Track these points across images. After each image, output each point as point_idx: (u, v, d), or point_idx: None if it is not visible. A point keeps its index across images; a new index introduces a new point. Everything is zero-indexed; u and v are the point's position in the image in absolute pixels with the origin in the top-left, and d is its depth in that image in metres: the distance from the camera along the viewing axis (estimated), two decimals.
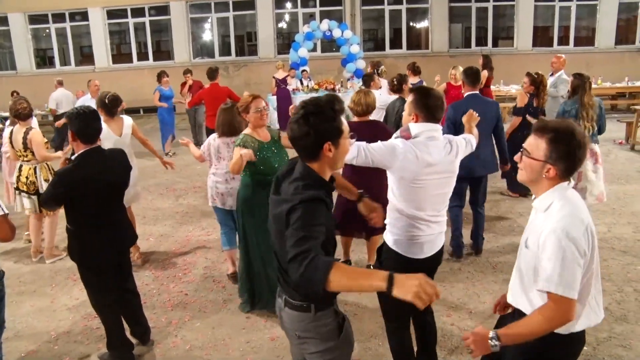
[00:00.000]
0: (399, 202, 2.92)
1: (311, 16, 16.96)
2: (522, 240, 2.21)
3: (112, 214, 3.51)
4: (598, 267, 2.13)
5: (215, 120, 4.70)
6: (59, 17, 17.33)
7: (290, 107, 3.34)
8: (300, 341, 2.26)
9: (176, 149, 11.09)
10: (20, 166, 5.48)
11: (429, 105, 2.86)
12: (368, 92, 4.55)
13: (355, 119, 4.56)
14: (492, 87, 10.65)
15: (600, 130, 5.54)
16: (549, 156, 2.04)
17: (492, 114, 5.07)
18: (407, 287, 1.68)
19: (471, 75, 5.13)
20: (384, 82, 8.25)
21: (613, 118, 12.02)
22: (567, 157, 2.03)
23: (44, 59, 18.40)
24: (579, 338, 2.17)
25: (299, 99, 13.27)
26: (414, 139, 2.85)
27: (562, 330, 2.07)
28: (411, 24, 17.86)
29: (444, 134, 3.01)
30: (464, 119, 3.58)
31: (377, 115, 6.00)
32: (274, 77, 13.25)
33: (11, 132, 5.49)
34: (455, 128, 4.83)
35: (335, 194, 2.74)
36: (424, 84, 8.87)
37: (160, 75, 10.70)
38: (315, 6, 17.14)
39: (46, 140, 5.57)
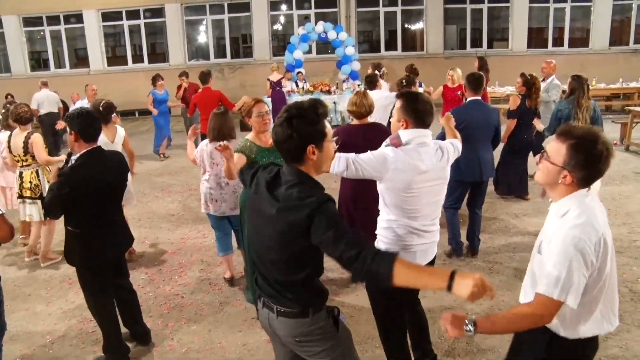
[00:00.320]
0: (391, 211, 2.86)
1: (306, 18, 16.99)
2: (536, 244, 2.19)
3: (113, 214, 3.56)
4: (614, 276, 2.12)
5: (207, 125, 4.70)
6: (53, 20, 17.28)
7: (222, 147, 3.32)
8: (300, 345, 2.25)
9: (170, 152, 11.07)
10: (20, 173, 5.43)
11: (418, 110, 2.81)
12: (366, 94, 4.51)
13: (354, 121, 4.49)
14: (488, 89, 10.67)
15: None
16: (567, 162, 2.01)
17: (494, 120, 5.10)
18: (465, 286, 1.82)
19: (474, 82, 5.12)
20: (384, 84, 8.26)
21: (608, 119, 12.02)
22: (586, 166, 1.99)
23: (38, 62, 18.34)
24: (588, 344, 2.14)
25: (294, 101, 13.27)
26: (405, 147, 2.80)
27: (570, 334, 2.06)
28: (406, 25, 17.89)
29: (442, 139, 3.01)
30: (442, 121, 3.53)
31: (380, 115, 5.98)
32: (268, 80, 13.25)
33: (9, 137, 5.44)
34: (458, 131, 4.85)
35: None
36: (423, 85, 8.90)
37: (155, 79, 10.66)
38: (310, 8, 17.16)
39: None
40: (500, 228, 6.08)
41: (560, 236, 1.98)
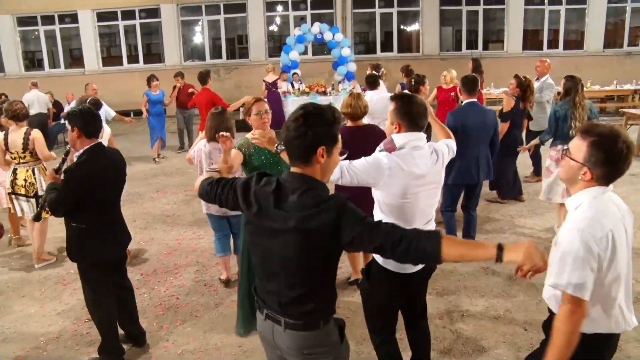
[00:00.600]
0: (386, 216, 2.80)
1: (302, 19, 16.98)
2: (555, 239, 2.21)
3: (116, 210, 3.66)
4: (627, 274, 2.13)
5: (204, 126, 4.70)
6: (48, 19, 17.20)
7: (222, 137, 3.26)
8: (306, 358, 2.17)
9: (166, 153, 11.03)
10: (15, 170, 5.39)
11: (411, 113, 2.75)
12: (360, 96, 4.50)
13: (349, 123, 4.47)
14: (483, 91, 10.69)
15: None
16: (587, 159, 2.05)
17: (492, 122, 5.11)
18: (517, 249, 1.81)
19: (468, 84, 5.13)
20: (382, 85, 8.28)
21: (602, 121, 12.09)
22: (606, 163, 2.03)
23: (32, 62, 18.24)
24: (602, 340, 2.16)
25: (290, 102, 13.27)
26: (399, 151, 2.74)
27: (586, 329, 2.07)
28: (402, 27, 17.92)
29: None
30: (430, 120, 3.39)
31: (384, 116, 5.97)
32: (264, 81, 13.23)
33: (5, 135, 5.38)
34: (455, 134, 4.85)
35: None
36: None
37: (150, 80, 10.55)
38: (306, 9, 17.15)
39: None
40: (495, 229, 6.09)
41: (567, 229, 2.01)
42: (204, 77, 8.90)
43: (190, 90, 10.94)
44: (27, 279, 5.26)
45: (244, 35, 17.72)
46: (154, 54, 18.00)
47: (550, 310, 2.32)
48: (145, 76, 10.92)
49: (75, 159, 3.49)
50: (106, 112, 9.12)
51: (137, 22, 17.26)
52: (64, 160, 3.68)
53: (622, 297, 2.12)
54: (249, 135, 4.06)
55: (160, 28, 17.21)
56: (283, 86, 13.38)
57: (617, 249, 2.03)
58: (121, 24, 17.25)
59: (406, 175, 2.68)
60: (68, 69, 17.61)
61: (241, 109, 10.06)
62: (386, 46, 17.58)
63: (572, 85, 5.43)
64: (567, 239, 2.00)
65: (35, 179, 5.39)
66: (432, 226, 2.99)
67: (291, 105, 13.32)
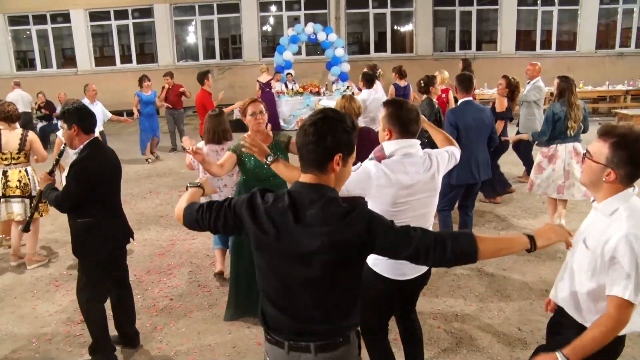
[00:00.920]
0: None
1: (296, 19, 16.99)
2: (579, 239, 2.20)
3: (119, 202, 3.73)
4: None
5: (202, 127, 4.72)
6: (39, 19, 17.11)
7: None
8: None
9: (160, 154, 10.98)
10: (5, 172, 5.32)
11: (402, 119, 2.66)
12: (352, 98, 4.49)
13: None
14: (476, 91, 10.74)
15: (585, 130, 5.69)
16: (610, 160, 2.05)
17: (489, 120, 5.12)
18: (544, 235, 1.92)
19: (465, 82, 5.13)
20: (379, 85, 8.30)
21: (595, 121, 12.15)
22: (629, 163, 2.03)
23: (24, 61, 18.14)
24: (619, 341, 2.17)
25: (283, 102, 13.28)
26: (389, 160, 2.66)
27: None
28: (396, 27, 17.97)
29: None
30: (424, 125, 3.29)
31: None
32: (257, 81, 13.23)
33: None
34: (457, 131, 4.85)
35: None
36: (410, 88, 8.93)
37: (141, 80, 10.47)
38: (300, 9, 17.16)
39: None
40: (489, 230, 6.11)
41: (621, 236, 2.00)
42: (200, 78, 8.87)
43: (182, 89, 10.90)
44: (19, 280, 5.22)
45: (238, 35, 17.72)
46: (147, 54, 17.95)
47: (559, 312, 2.32)
48: (138, 76, 10.87)
49: (72, 156, 3.52)
50: (104, 113, 9.10)
51: (130, 21, 17.20)
52: (57, 162, 3.73)
53: None
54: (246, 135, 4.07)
55: (154, 28, 17.16)
56: (277, 86, 13.38)
57: None
58: (114, 23, 17.19)
59: (393, 185, 2.59)
60: (60, 68, 17.54)
61: (235, 112, 10.09)
62: (380, 47, 17.61)
63: (567, 86, 5.46)
64: (626, 248, 1.98)
65: (29, 179, 5.37)
66: None
67: (285, 105, 13.33)
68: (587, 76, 14.15)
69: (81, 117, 3.46)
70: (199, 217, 2.05)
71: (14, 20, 17.20)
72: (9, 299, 4.84)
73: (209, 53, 17.72)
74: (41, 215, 5.47)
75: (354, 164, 2.30)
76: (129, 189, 8.33)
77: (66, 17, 17.00)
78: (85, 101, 9.04)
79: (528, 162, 7.81)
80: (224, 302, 4.53)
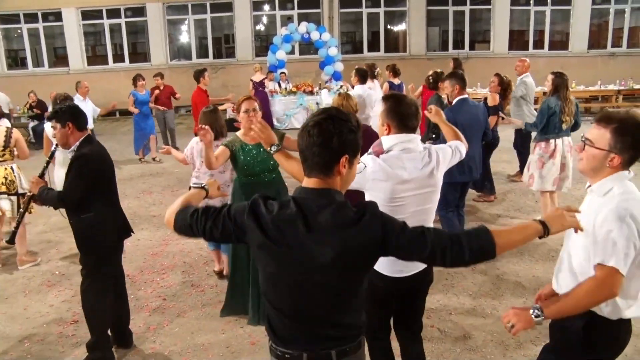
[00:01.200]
0: None
1: (289, 19, 16.96)
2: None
3: (117, 195, 3.77)
4: None
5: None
6: (31, 17, 16.97)
7: (254, 125, 3.15)
8: None
9: (160, 155, 10.81)
10: None
11: (400, 113, 2.63)
12: (349, 96, 4.50)
13: None
14: (469, 90, 10.78)
15: (577, 126, 5.82)
16: (613, 146, 2.07)
17: (483, 116, 5.16)
18: (556, 220, 1.88)
19: (462, 79, 5.20)
20: (377, 84, 8.31)
21: (587, 120, 12.20)
22: (633, 147, 2.06)
23: (15, 60, 18.02)
24: (627, 326, 2.18)
25: (277, 101, 13.26)
26: (387, 154, 2.62)
27: (612, 315, 2.10)
28: (389, 27, 17.99)
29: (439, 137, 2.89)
30: (430, 116, 3.33)
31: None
32: (251, 80, 13.20)
33: None
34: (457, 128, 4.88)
35: None
36: (404, 86, 8.94)
37: (136, 79, 10.36)
38: (293, 9, 17.13)
39: None
40: None
41: (610, 208, 2.02)
42: (197, 76, 8.88)
43: (172, 91, 10.80)
44: (11, 280, 5.19)
45: (231, 34, 17.68)
46: (139, 53, 17.88)
47: None
48: (131, 75, 10.78)
49: (68, 155, 3.54)
50: (94, 110, 9.04)
51: (122, 20, 17.11)
52: (48, 163, 3.73)
53: None
54: (239, 132, 4.11)
55: (146, 27, 17.08)
56: (270, 86, 13.36)
57: None
58: (106, 22, 17.09)
59: (391, 180, 2.56)
60: (52, 67, 17.41)
61: (228, 110, 10.07)
62: (373, 46, 17.62)
63: (561, 82, 5.63)
64: (614, 218, 2.01)
65: (15, 176, 5.35)
66: None
67: (278, 104, 13.32)
68: (579, 76, 14.22)
69: (75, 115, 3.49)
70: (193, 223, 1.90)
71: (5, 19, 17.07)
72: (1, 299, 4.81)
73: (202, 52, 17.66)
74: (29, 212, 5.44)
75: None
76: (122, 188, 8.23)
77: (58, 16, 16.89)
78: (77, 98, 8.98)
79: (523, 161, 7.85)
80: (217, 301, 4.53)
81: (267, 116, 12.51)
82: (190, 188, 2.17)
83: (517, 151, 7.93)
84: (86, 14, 17.00)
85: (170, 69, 15.34)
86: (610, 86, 14.17)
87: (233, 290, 4.30)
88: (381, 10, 17.20)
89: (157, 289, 4.90)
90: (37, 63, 17.52)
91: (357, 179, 2.47)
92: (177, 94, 10.88)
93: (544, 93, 6.54)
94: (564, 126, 5.63)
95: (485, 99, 6.92)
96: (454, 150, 2.90)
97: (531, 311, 2.04)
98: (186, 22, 17.48)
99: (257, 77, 13.21)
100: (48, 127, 4.98)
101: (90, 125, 8.69)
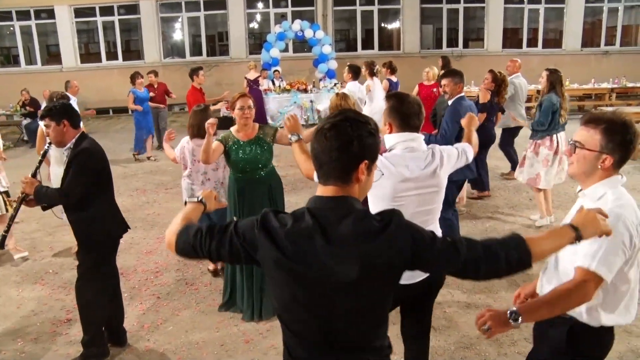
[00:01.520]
0: None
1: (283, 16, 16.92)
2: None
3: (113, 194, 3.76)
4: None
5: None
6: (23, 15, 16.84)
7: (289, 115, 3.17)
8: None
9: (157, 154, 10.74)
10: None
11: (403, 112, 2.62)
12: (346, 96, 4.51)
13: None
14: (464, 88, 10.77)
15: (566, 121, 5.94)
16: (604, 146, 2.04)
17: (476, 114, 5.16)
18: (588, 225, 1.74)
19: (462, 77, 5.22)
20: (378, 81, 8.31)
21: (580, 119, 12.28)
22: (623, 146, 2.04)
23: (8, 58, 17.92)
24: (609, 332, 2.16)
25: (271, 99, 13.23)
26: (389, 153, 2.63)
27: (593, 322, 2.07)
28: (383, 24, 17.98)
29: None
30: (464, 122, 3.28)
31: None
32: (245, 78, 13.17)
33: None
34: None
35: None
36: (399, 83, 8.93)
37: (134, 77, 10.27)
38: (287, 6, 17.10)
39: None
40: (477, 225, 6.14)
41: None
42: (191, 74, 8.91)
43: (166, 89, 10.77)
44: (3, 280, 5.16)
45: (224, 32, 17.62)
46: (133, 51, 17.80)
47: None
48: (124, 73, 10.72)
49: (64, 152, 3.54)
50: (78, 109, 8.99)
51: (115, 18, 17.02)
52: (40, 162, 3.71)
53: (635, 290, 2.13)
54: (233, 129, 4.16)
55: (140, 24, 17.00)
56: (264, 84, 13.33)
57: None
58: (99, 20, 16.99)
59: (392, 178, 2.54)
60: (45, 65, 17.30)
61: (222, 109, 10.04)
62: (367, 44, 17.62)
63: (556, 78, 5.72)
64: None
65: None
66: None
67: (272, 102, 13.29)
68: (572, 74, 14.25)
69: (69, 113, 3.49)
70: (197, 244, 1.72)
71: None
72: None
73: (196, 50, 17.60)
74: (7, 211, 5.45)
75: None
76: (116, 186, 8.16)
77: (50, 13, 16.77)
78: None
79: (512, 159, 7.89)
80: (212, 300, 4.52)
81: (262, 114, 12.49)
82: (185, 203, 1.99)
83: (504, 150, 7.93)
84: (79, 12, 16.90)
85: (163, 67, 15.28)
86: (604, 84, 14.22)
87: (231, 284, 4.35)
88: (375, 8, 17.20)
89: (151, 287, 4.89)
90: (30, 61, 17.39)
91: None
92: (172, 93, 10.85)
93: (538, 91, 6.55)
94: (562, 121, 5.74)
95: (478, 97, 6.93)
96: (460, 152, 2.87)
97: (508, 314, 1.92)
98: (180, 19, 17.41)
99: (252, 75, 13.18)
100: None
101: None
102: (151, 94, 10.61)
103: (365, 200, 2.48)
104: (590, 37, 17.53)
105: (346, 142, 1.58)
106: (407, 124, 2.63)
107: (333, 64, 14.78)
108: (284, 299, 1.68)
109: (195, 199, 1.99)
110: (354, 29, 17.74)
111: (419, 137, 2.68)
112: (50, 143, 3.57)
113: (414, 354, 3.07)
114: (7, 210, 5.43)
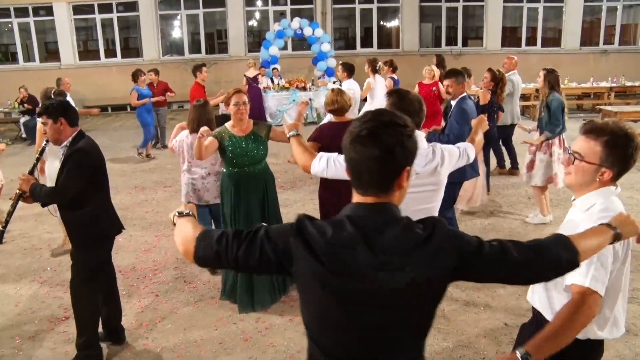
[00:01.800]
0: None
1: (282, 14, 16.90)
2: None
3: (109, 193, 3.77)
4: (627, 282, 2.07)
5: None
6: (21, 12, 16.78)
7: (302, 102, 3.13)
8: None
9: (155, 152, 10.70)
10: None
11: (403, 109, 2.56)
12: (341, 91, 4.50)
13: (335, 119, 4.43)
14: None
15: None
16: (604, 160, 1.97)
17: (477, 114, 5.16)
18: (625, 224, 1.77)
19: (463, 76, 5.21)
20: (380, 79, 8.31)
21: (579, 117, 12.29)
22: (624, 160, 1.98)
23: (6, 55, 17.85)
24: (596, 347, 2.10)
25: (270, 97, 13.22)
26: None
27: (580, 335, 1.97)
28: (382, 23, 17.97)
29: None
30: (474, 122, 3.27)
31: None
32: (244, 75, 13.15)
33: None
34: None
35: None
36: (399, 81, 8.95)
37: (137, 74, 10.19)
38: (286, 4, 17.07)
39: None
40: (475, 226, 6.14)
41: (589, 225, 1.88)
42: (194, 71, 9.00)
43: (166, 87, 10.73)
44: (1, 276, 5.15)
45: (223, 30, 17.59)
46: (131, 49, 17.76)
47: (535, 313, 2.24)
48: (123, 71, 10.70)
49: (61, 150, 3.50)
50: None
51: (114, 15, 16.95)
52: (38, 160, 3.71)
53: (622, 302, 2.08)
54: (228, 124, 4.23)
55: (138, 22, 16.96)
56: (263, 81, 13.31)
57: (629, 251, 2.01)
58: (98, 17, 16.93)
59: None
60: (43, 62, 17.24)
61: (221, 106, 10.02)
62: (366, 42, 17.60)
63: (554, 78, 5.74)
64: None
65: None
66: None
67: (271, 100, 13.28)
68: (571, 73, 14.28)
69: (66, 111, 3.47)
70: (222, 250, 1.54)
71: None
72: None
73: (195, 48, 17.56)
74: None
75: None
76: (114, 184, 8.21)
77: (49, 10, 16.72)
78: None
79: (501, 156, 7.92)
80: (210, 298, 4.52)
81: (261, 112, 12.48)
82: (176, 216, 1.76)
83: (493, 147, 7.89)
84: (77, 9, 16.85)
85: (162, 65, 15.22)
86: (603, 83, 14.23)
87: (234, 280, 4.38)
88: (374, 6, 17.19)
89: (150, 285, 4.88)
90: (28, 58, 17.34)
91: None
92: (172, 91, 10.82)
93: (537, 90, 6.55)
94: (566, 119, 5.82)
95: (478, 98, 6.90)
96: (462, 152, 2.86)
97: (519, 357, 1.81)
98: (178, 17, 17.37)
99: (251, 73, 13.16)
100: None
101: None
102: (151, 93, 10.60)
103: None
104: (589, 36, 17.53)
105: (388, 150, 1.44)
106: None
107: (332, 62, 14.76)
108: (320, 316, 1.55)
109: (186, 214, 1.77)
110: (353, 27, 17.72)
111: (420, 134, 2.68)
112: (48, 140, 3.56)
113: None
114: None
